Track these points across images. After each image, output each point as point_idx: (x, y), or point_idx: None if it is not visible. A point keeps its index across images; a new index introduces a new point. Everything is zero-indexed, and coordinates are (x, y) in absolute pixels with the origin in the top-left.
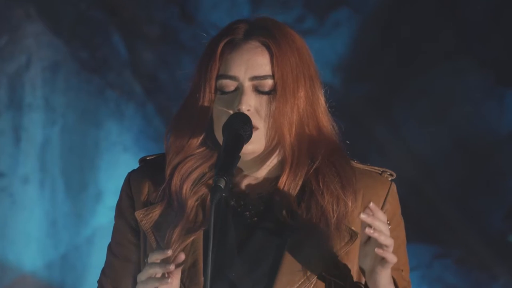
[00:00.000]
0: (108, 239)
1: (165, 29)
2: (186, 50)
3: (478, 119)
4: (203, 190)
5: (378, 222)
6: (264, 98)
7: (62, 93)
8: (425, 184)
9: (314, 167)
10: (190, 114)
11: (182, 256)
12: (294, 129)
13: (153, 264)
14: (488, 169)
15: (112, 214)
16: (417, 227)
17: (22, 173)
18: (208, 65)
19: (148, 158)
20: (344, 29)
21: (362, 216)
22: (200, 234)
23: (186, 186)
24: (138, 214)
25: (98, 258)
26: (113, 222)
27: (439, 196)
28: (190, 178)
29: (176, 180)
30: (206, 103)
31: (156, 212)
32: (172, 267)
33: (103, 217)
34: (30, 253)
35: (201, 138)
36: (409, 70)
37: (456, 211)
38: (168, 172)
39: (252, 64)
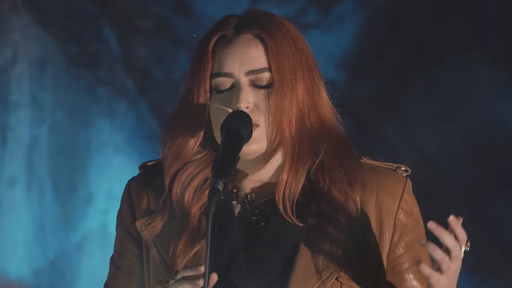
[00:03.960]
0: (99, 244)
1: (160, 22)
2: (182, 45)
3: (491, 117)
4: (206, 197)
5: (449, 238)
6: (263, 92)
7: (50, 90)
8: (435, 186)
9: (317, 162)
10: (185, 117)
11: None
12: (294, 123)
13: (182, 280)
14: (502, 170)
15: (103, 217)
16: (426, 231)
17: (8, 174)
18: (200, 64)
19: (148, 164)
20: (349, 23)
21: (429, 225)
22: (204, 244)
23: (188, 195)
24: (139, 224)
25: (88, 265)
26: (104, 226)
27: (449, 198)
28: (191, 185)
29: (176, 189)
30: (201, 105)
31: (157, 223)
32: (201, 282)
33: (94, 221)
34: (17, 259)
35: (199, 142)
36: (417, 66)
37: (467, 215)
38: (167, 181)
39: (246, 58)
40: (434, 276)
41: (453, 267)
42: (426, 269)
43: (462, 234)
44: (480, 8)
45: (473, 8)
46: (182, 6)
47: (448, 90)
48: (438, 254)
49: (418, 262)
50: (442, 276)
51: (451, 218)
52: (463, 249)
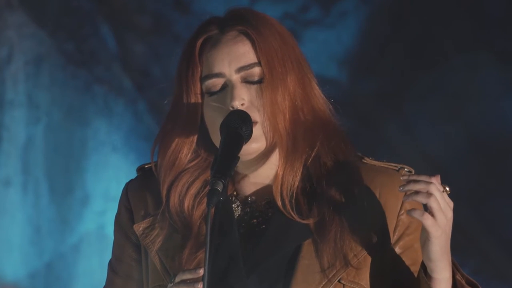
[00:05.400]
0: (95, 246)
1: (158, 20)
2: (181, 42)
3: (495, 116)
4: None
5: (420, 183)
6: (256, 88)
7: (46, 89)
8: None
9: (313, 155)
10: (177, 125)
11: None
12: (287, 117)
13: (180, 283)
14: (507, 170)
15: (100, 219)
16: None
17: (3, 175)
18: (188, 69)
19: (146, 166)
20: (351, 20)
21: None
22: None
23: (187, 203)
24: (137, 227)
25: (84, 267)
26: (101, 227)
27: (453, 200)
28: (189, 193)
29: (174, 200)
30: (193, 110)
31: (155, 226)
32: (200, 286)
33: (91, 222)
34: (12, 261)
35: (192, 149)
36: (421, 64)
37: (472, 217)
38: (164, 192)
39: (235, 55)
40: (428, 218)
41: (443, 205)
42: (417, 211)
43: (429, 178)
44: (484, 6)
45: (477, 6)
46: (181, 3)
47: (452, 89)
48: (421, 195)
49: (409, 211)
50: (436, 221)
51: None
52: (443, 191)
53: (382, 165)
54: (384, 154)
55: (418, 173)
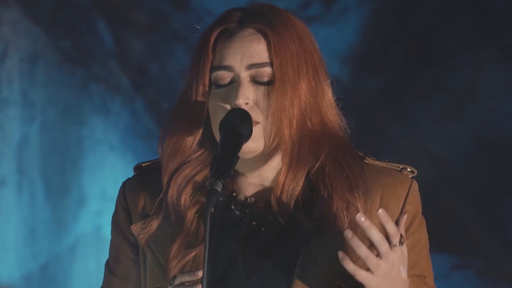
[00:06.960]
0: (92, 247)
1: (156, 16)
2: (179, 39)
3: (501, 114)
4: (203, 200)
5: (375, 233)
6: (264, 89)
7: (41, 87)
8: (443, 187)
9: (317, 166)
10: (184, 113)
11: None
12: (294, 124)
13: (180, 285)
14: None
15: (97, 219)
16: (434, 234)
17: None
18: (200, 57)
19: (143, 165)
20: (353, 16)
21: (357, 217)
22: (202, 248)
23: (185, 197)
24: (135, 228)
25: (81, 269)
26: (98, 228)
27: (458, 200)
28: (188, 188)
29: (172, 191)
30: (200, 101)
31: (153, 226)
32: None
33: (87, 223)
34: (7, 263)
35: (197, 140)
36: (425, 62)
37: (477, 217)
38: (165, 179)
39: (248, 52)
40: (360, 274)
41: (383, 265)
42: (350, 265)
43: (392, 229)
44: (489, 2)
45: (482, 2)
46: None
47: (456, 86)
48: (362, 250)
49: (341, 258)
50: (372, 275)
51: (380, 211)
52: (394, 245)
53: (384, 165)
54: (387, 153)
55: (421, 174)
